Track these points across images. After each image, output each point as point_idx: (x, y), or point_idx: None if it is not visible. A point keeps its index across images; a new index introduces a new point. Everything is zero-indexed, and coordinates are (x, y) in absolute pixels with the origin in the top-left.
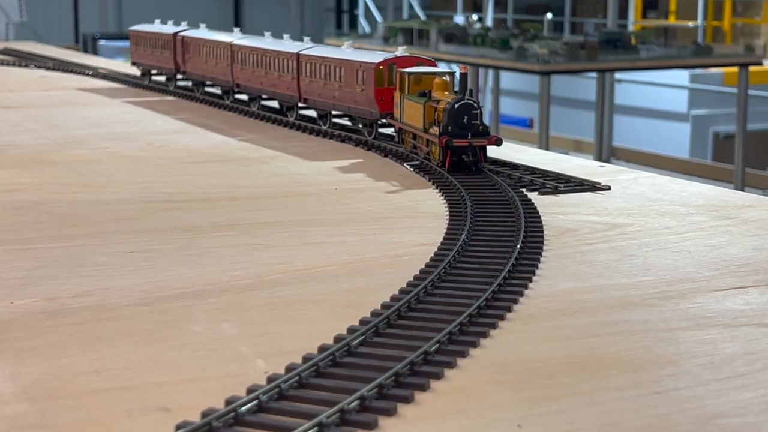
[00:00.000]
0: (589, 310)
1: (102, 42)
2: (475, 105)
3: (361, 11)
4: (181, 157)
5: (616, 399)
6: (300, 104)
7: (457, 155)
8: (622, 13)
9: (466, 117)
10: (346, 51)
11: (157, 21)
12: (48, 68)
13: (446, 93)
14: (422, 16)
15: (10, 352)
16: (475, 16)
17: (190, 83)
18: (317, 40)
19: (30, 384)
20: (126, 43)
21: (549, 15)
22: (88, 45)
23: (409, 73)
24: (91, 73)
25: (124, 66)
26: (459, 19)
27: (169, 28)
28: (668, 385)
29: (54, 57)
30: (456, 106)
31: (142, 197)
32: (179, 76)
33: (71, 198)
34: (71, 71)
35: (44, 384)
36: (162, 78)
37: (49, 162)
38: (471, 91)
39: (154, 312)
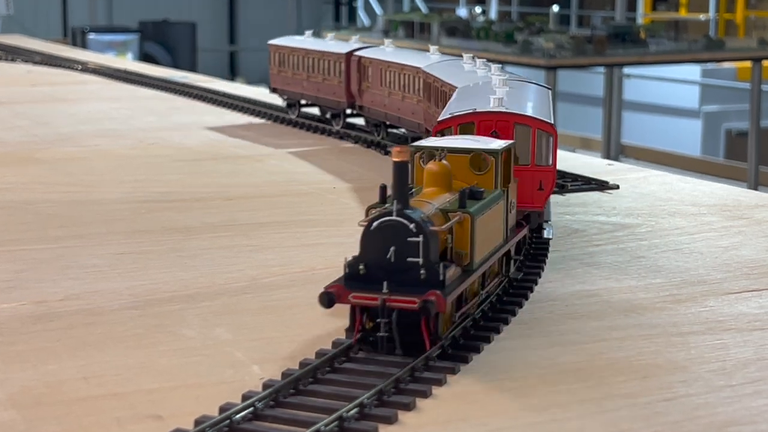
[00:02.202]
0: (596, 313)
1: (92, 36)
2: (414, 228)
3: (360, 3)
4: (173, 155)
5: (624, 406)
6: None
7: (372, 320)
8: (631, 5)
9: (392, 249)
10: (498, 89)
11: (308, 32)
12: (35, 63)
13: (440, 195)
14: (423, 9)
15: None
16: (478, 9)
17: (364, 122)
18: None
19: (16, 391)
20: (116, 36)
21: (555, 7)
22: (77, 39)
23: (417, 149)
24: (80, 67)
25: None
26: (462, 11)
27: (336, 45)
28: (679, 391)
29: (42, 51)
30: (373, 226)
31: (133, 197)
32: (348, 111)
33: (59, 198)
34: (59, 66)
35: (31, 391)
36: (312, 109)
37: (37, 160)
38: (468, 192)
39: (145, 316)
